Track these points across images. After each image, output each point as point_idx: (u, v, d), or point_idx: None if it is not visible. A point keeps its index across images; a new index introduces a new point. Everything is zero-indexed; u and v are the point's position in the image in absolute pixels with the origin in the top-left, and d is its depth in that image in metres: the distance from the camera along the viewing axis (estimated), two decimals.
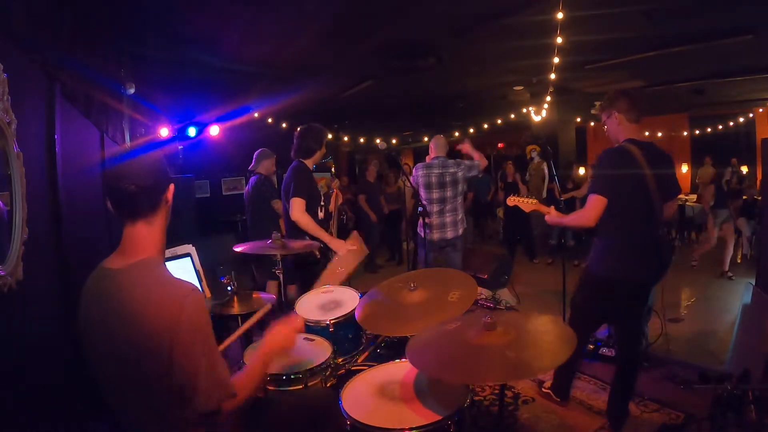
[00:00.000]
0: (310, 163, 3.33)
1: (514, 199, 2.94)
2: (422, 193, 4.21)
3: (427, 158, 4.33)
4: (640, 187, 2.29)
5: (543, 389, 3.01)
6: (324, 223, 3.34)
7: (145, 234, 1.24)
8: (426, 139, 12.97)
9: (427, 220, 4.11)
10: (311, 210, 3.20)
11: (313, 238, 3.11)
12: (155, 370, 1.13)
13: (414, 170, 4.36)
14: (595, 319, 2.68)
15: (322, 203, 3.37)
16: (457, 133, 11.22)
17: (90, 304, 1.23)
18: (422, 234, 4.03)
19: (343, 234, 3.66)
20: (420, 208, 3.94)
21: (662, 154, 2.42)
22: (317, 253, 3.18)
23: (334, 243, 3.15)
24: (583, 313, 2.63)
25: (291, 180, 3.21)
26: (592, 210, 2.34)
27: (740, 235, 6.98)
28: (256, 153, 4.56)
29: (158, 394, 1.16)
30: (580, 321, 2.59)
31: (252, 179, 4.48)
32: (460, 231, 4.27)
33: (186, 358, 1.13)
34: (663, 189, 2.33)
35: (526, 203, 2.85)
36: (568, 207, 6.02)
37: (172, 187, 1.30)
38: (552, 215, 2.67)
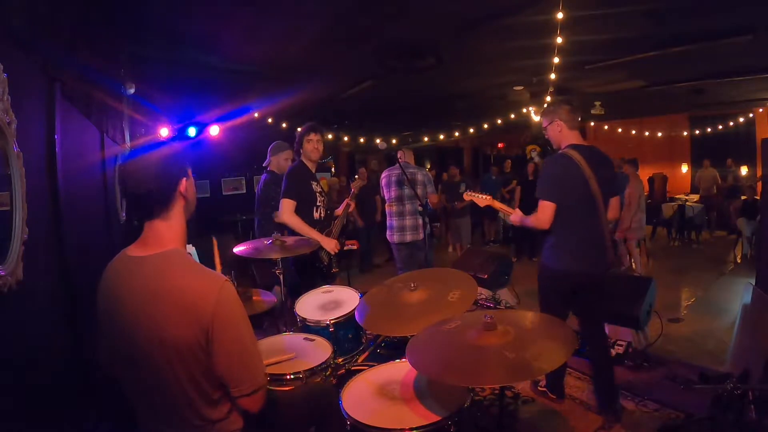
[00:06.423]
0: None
1: (471, 195, 3.05)
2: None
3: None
4: (582, 188, 2.52)
5: (539, 388, 3.01)
6: (321, 224, 3.25)
7: (164, 229, 1.29)
8: (426, 139, 12.96)
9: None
10: (305, 211, 3.15)
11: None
12: (192, 342, 1.19)
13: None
14: (561, 309, 2.71)
15: (318, 204, 3.25)
16: (457, 133, 11.20)
17: (116, 285, 1.27)
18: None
19: (343, 234, 3.58)
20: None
21: (603, 156, 2.65)
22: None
23: (326, 242, 3.15)
24: (547, 303, 2.77)
25: (284, 181, 3.18)
26: (543, 214, 2.57)
27: (740, 235, 6.99)
28: (270, 147, 4.08)
29: (190, 368, 1.21)
30: (548, 312, 2.61)
31: (263, 177, 4.04)
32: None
33: (229, 339, 1.22)
34: (604, 189, 2.56)
35: (481, 199, 3.00)
36: None
37: (184, 181, 1.32)
38: (515, 216, 2.80)
